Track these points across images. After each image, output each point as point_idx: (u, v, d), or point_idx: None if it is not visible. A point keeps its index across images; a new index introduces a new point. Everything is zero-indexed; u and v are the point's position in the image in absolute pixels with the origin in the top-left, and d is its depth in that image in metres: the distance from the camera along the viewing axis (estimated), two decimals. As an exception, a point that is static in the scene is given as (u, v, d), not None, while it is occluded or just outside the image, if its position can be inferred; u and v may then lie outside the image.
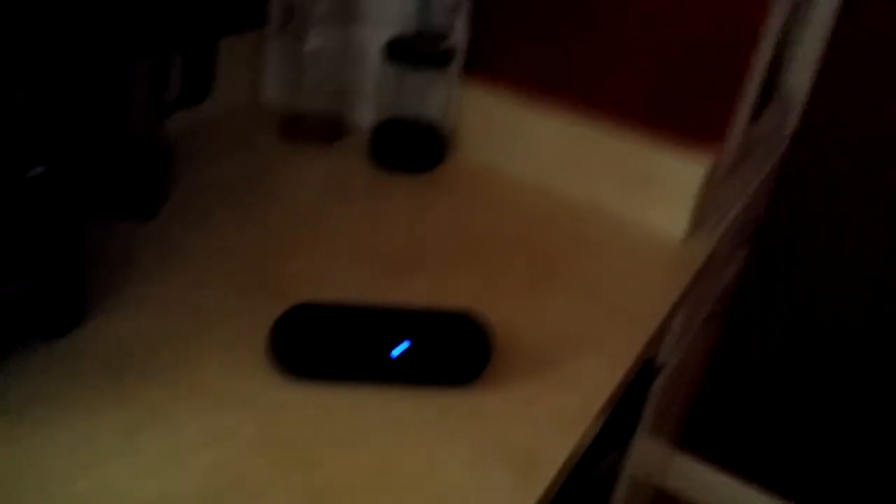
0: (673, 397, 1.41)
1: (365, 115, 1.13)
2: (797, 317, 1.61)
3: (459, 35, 1.04)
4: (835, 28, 1.40)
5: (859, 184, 1.47)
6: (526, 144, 1.07)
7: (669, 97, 1.00)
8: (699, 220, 1.05)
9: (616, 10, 0.99)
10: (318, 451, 0.64)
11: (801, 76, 1.44)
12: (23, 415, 0.63)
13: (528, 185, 1.08)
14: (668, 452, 1.75)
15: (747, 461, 1.78)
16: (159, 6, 0.80)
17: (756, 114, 1.21)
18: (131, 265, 0.81)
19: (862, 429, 1.63)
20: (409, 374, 0.71)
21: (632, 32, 0.99)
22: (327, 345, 0.69)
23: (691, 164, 0.98)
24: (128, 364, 0.69)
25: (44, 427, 0.62)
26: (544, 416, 0.72)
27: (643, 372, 0.96)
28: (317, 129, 1.09)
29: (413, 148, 1.07)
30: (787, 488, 1.75)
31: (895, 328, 1.53)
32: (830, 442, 1.67)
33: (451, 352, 0.71)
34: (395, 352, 0.69)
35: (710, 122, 0.99)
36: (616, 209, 1.05)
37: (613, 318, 0.86)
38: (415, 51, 1.02)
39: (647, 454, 1.36)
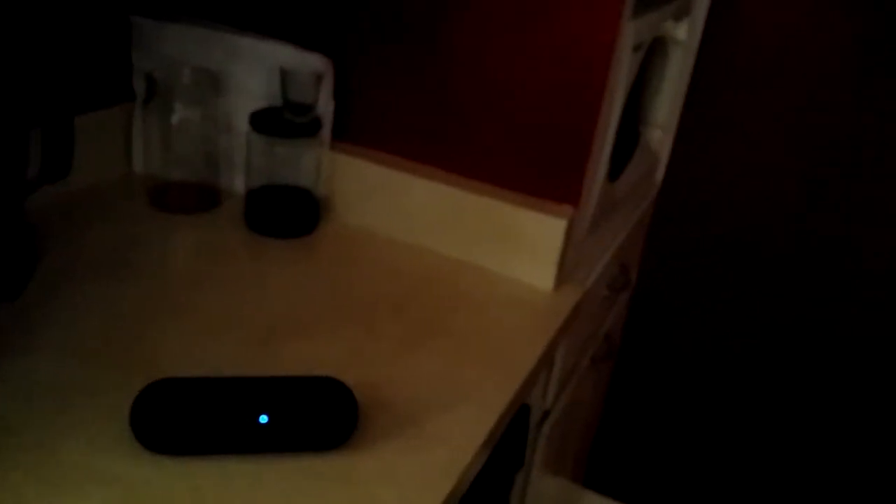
0: (567, 438, 1.45)
1: (237, 183, 1.15)
2: (682, 351, 1.69)
3: (324, 105, 1.08)
4: (691, 80, 1.50)
5: (729, 223, 1.56)
6: (399, 206, 1.11)
7: (525, 162, 1.06)
8: (567, 271, 1.10)
9: (472, 83, 1.04)
10: (183, 526, 0.64)
11: (662, 130, 1.53)
12: None
13: (402, 246, 1.11)
14: (574, 491, 1.79)
15: (652, 495, 1.83)
16: (14, 86, 0.80)
17: (618, 170, 1.28)
18: (-9, 348, 0.79)
19: (754, 451, 1.70)
20: (276, 443, 0.71)
21: (487, 105, 1.05)
22: (189, 419, 0.69)
23: (552, 222, 1.04)
24: (-16, 451, 0.68)
25: None
26: (413, 474, 0.73)
27: (520, 416, 0.99)
28: (189, 197, 1.10)
29: (288, 213, 1.09)
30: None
31: (776, 355, 1.61)
32: (726, 472, 1.74)
33: (316, 417, 0.72)
34: (259, 420, 0.69)
35: (564, 183, 1.05)
36: (487, 265, 1.09)
37: (483, 371, 0.89)
38: (282, 121, 1.04)
39: (548, 492, 1.39)
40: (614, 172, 1.25)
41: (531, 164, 1.05)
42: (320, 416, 0.72)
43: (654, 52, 1.39)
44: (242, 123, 1.12)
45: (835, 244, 1.49)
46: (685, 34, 1.43)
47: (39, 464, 0.67)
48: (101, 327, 0.85)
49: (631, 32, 1.02)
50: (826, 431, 1.62)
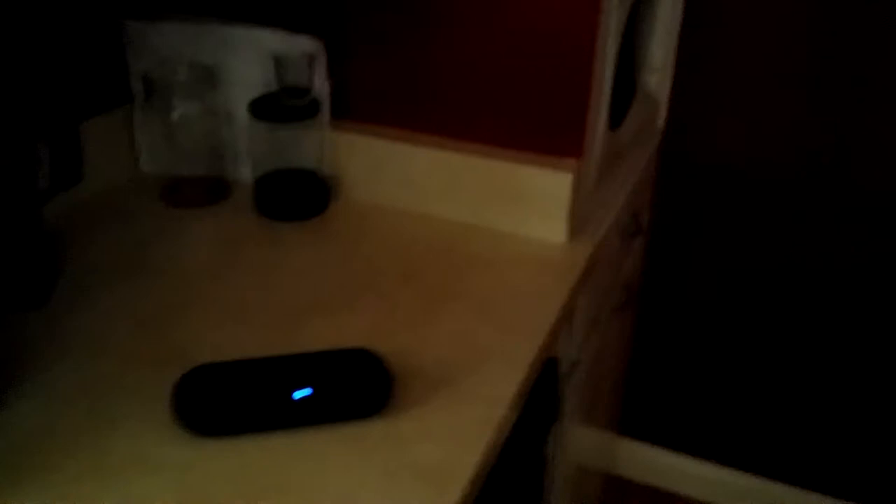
0: (598, 388, 1.47)
1: (244, 172, 1.16)
2: (702, 291, 1.70)
3: (320, 86, 1.08)
4: (683, 21, 1.50)
5: (734, 158, 1.57)
6: (404, 178, 1.12)
7: (525, 120, 1.06)
8: (579, 224, 1.11)
9: (463, 46, 1.05)
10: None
11: (660, 73, 1.53)
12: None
13: (411, 216, 1.12)
14: (610, 440, 1.81)
15: (687, 437, 1.85)
16: (17, 100, 0.81)
17: (619, 118, 1.29)
18: (28, 354, 0.81)
19: (785, 387, 1.72)
20: (315, 416, 0.73)
21: (479, 66, 1.05)
22: (230, 400, 0.71)
23: (558, 176, 1.05)
24: (38, 450, 0.70)
25: (-44, 529, 0.63)
26: (451, 431, 0.75)
27: (549, 369, 1.00)
28: (199, 191, 1.11)
29: (297, 196, 1.10)
30: (728, 457, 1.83)
31: (793, 290, 1.63)
32: (759, 404, 1.76)
33: (352, 387, 0.74)
34: (297, 395, 0.71)
35: (566, 136, 1.06)
36: (498, 226, 1.10)
37: (506, 329, 0.90)
38: (280, 106, 1.05)
39: (584, 443, 1.41)
40: (615, 121, 1.26)
41: (531, 121, 1.06)
42: (356, 386, 0.74)
43: (642, -3, 1.39)
44: (242, 113, 1.13)
45: (841, 167, 1.49)
46: (671, -25, 1.43)
47: (87, 460, 0.69)
48: (131, 324, 0.87)
49: (616, -22, 1.02)
50: (859, 363, 1.63)
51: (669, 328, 1.76)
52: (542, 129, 1.06)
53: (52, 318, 0.87)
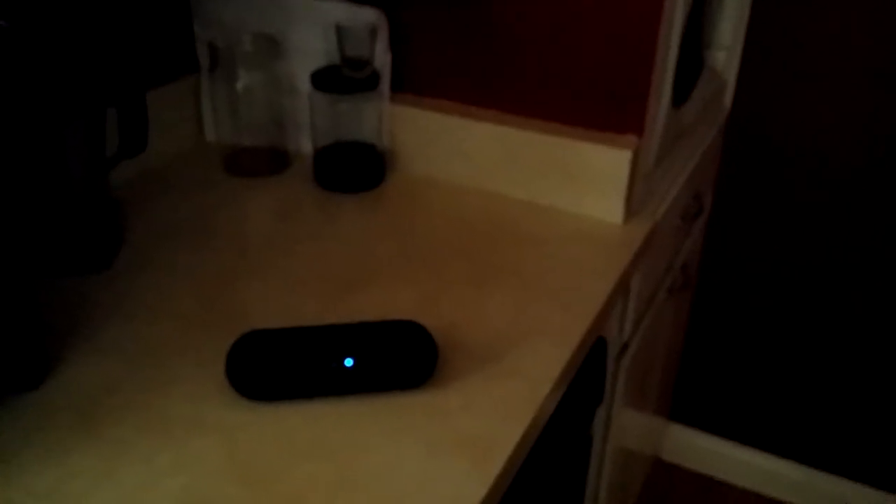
0: (649, 371, 1.46)
1: (305, 144, 1.18)
2: (763, 276, 1.67)
3: (381, 59, 1.09)
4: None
5: (804, 142, 1.53)
6: (461, 152, 1.12)
7: (585, 94, 1.05)
8: (637, 203, 1.10)
9: (525, 19, 1.04)
10: (282, 466, 0.68)
11: (728, 51, 1.50)
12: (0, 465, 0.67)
13: (466, 191, 1.13)
14: (659, 424, 1.80)
15: (739, 425, 1.83)
16: (87, 68, 0.84)
17: (683, 95, 1.27)
18: (90, 312, 0.85)
19: (843, 379, 1.68)
20: (362, 384, 0.75)
21: (540, 40, 1.04)
22: (280, 366, 0.73)
23: (616, 154, 1.03)
24: (95, 406, 0.73)
25: (22, 477, 0.66)
26: (495, 405, 0.76)
27: (597, 349, 1.00)
28: (260, 161, 1.13)
29: (354, 169, 1.11)
30: (780, 446, 1.80)
31: (856, 276, 1.58)
32: (815, 394, 1.72)
33: (398, 358, 0.75)
34: (345, 364, 0.73)
35: (626, 113, 1.04)
36: (553, 203, 1.10)
37: (556, 306, 0.90)
38: (341, 78, 1.06)
39: (631, 426, 1.41)
40: (679, 98, 1.23)
41: (591, 97, 1.05)
42: (402, 357, 0.75)
43: (712, -29, 1.35)
44: (304, 84, 1.14)
45: (916, 153, 1.44)
46: (743, -50, 1.39)
47: (144, 418, 0.73)
48: (190, 289, 0.90)
49: (683, -47, 1.00)
50: (918, 346, 1.58)
51: (727, 313, 1.73)
52: (602, 105, 1.05)
53: (115, 281, 0.91)
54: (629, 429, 1.40)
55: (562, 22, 1.02)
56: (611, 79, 1.03)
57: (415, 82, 1.14)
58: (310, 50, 1.12)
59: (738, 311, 1.72)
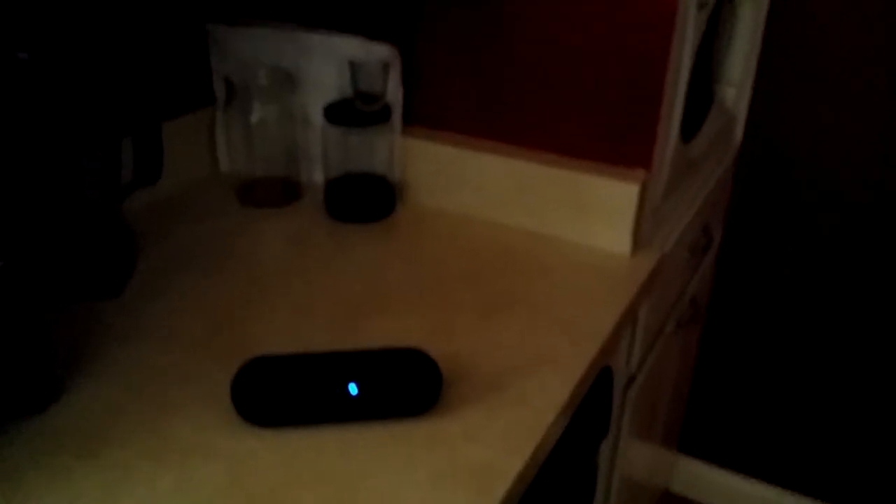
0: (656, 403, 1.45)
1: (317, 175, 1.20)
2: (773, 311, 1.66)
3: (393, 93, 1.11)
4: (764, 35, 1.47)
5: (815, 181, 1.53)
6: (471, 184, 1.13)
7: (594, 129, 1.07)
8: (645, 236, 1.10)
9: (535, 54, 1.06)
10: (284, 493, 0.69)
11: (738, 87, 1.51)
12: (6, 488, 0.68)
13: (476, 222, 1.14)
14: (668, 456, 1.79)
15: (748, 458, 1.81)
16: (104, 99, 0.86)
17: (693, 130, 1.28)
18: (100, 338, 0.86)
19: (853, 413, 1.67)
20: (366, 411, 0.75)
21: (550, 75, 1.06)
22: (285, 393, 0.74)
23: (624, 187, 1.04)
24: (102, 430, 0.74)
25: (27, 499, 0.67)
26: (498, 435, 0.76)
27: (603, 380, 1.00)
28: (273, 192, 1.15)
29: (366, 199, 1.13)
30: (790, 480, 1.78)
31: (867, 313, 1.57)
32: (824, 428, 1.71)
33: (403, 385, 0.76)
34: (350, 391, 0.74)
35: (635, 147, 1.05)
36: (562, 235, 1.11)
37: (562, 336, 0.91)
38: (354, 112, 1.08)
39: (638, 457, 1.40)
40: (689, 133, 1.24)
41: (599, 131, 1.06)
42: (406, 384, 0.76)
43: (723, 8, 1.37)
44: (317, 117, 1.16)
45: (928, 189, 1.44)
46: (753, -12, 1.41)
47: (148, 442, 0.73)
48: (199, 316, 0.91)
49: (692, -9, 1.01)
50: (933, 384, 1.57)
51: (736, 346, 1.72)
52: (610, 139, 1.06)
53: (126, 308, 0.92)
54: (637, 460, 1.40)
55: (572, 58, 1.04)
56: (620, 114, 1.04)
57: (426, 116, 1.16)
58: (323, 84, 1.14)
59: (747, 345, 1.71)
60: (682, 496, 1.90)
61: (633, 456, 1.35)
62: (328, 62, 1.14)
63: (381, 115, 1.09)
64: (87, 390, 0.79)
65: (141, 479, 0.69)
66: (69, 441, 0.73)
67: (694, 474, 1.87)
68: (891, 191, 1.47)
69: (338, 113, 1.09)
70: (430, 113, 1.15)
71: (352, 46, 1.12)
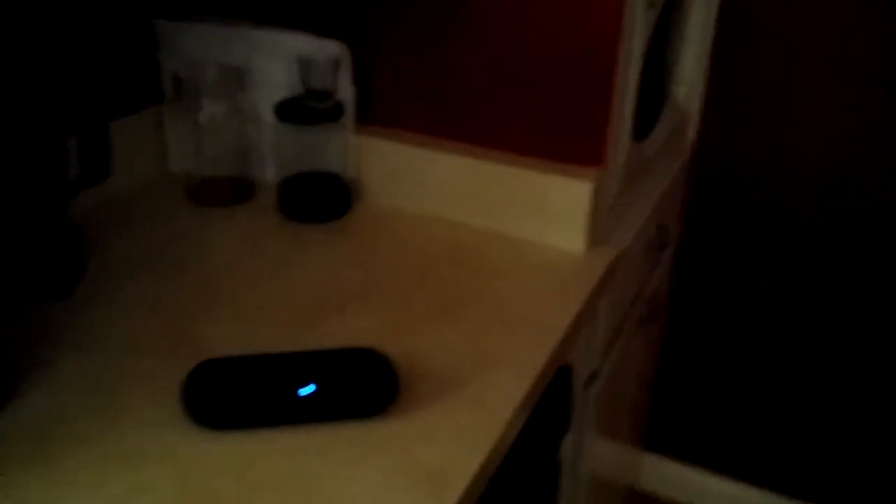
0: (620, 400, 1.46)
1: (269, 174, 1.18)
2: (733, 306, 1.68)
3: (345, 90, 1.10)
4: (716, 35, 1.48)
5: (769, 177, 1.55)
6: (425, 183, 1.13)
7: (546, 127, 1.07)
8: (599, 233, 1.11)
9: (487, 53, 1.05)
10: (236, 496, 0.67)
11: (690, 86, 1.52)
12: (-56, 501, 0.65)
13: (432, 221, 1.13)
14: (634, 453, 1.80)
15: (715, 455, 1.83)
16: (49, 96, 0.84)
17: (647, 129, 1.28)
18: (49, 342, 0.84)
19: (815, 405, 1.69)
20: (319, 413, 0.74)
21: (501, 74, 1.06)
22: (236, 395, 0.72)
23: (577, 185, 1.05)
24: (52, 435, 0.72)
25: (-35, 510, 0.65)
26: (453, 434, 0.75)
27: (562, 378, 1.00)
28: (224, 191, 1.13)
29: (319, 199, 1.11)
30: (756, 475, 1.80)
31: (826, 304, 1.60)
32: (788, 421, 1.73)
33: (357, 387, 0.75)
34: (302, 392, 0.72)
35: (587, 146, 1.05)
36: (516, 233, 1.10)
37: (517, 335, 0.90)
38: (305, 109, 1.07)
39: (603, 455, 1.41)
40: (643, 131, 1.25)
41: (553, 129, 1.06)
42: (361, 386, 0.75)
43: (674, 7, 1.38)
44: (268, 114, 1.15)
45: (876, 187, 1.47)
46: (703, -13, 1.42)
47: (98, 448, 0.71)
48: (150, 319, 0.89)
49: (641, -11, 1.02)
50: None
51: (698, 342, 1.74)
52: (562, 137, 1.06)
53: (74, 310, 0.90)
54: (602, 457, 1.40)
55: (520, 55, 1.04)
56: (571, 112, 1.04)
57: (381, 114, 1.15)
58: (274, 81, 1.13)
59: (709, 341, 1.73)
60: (650, 493, 1.91)
61: (599, 453, 1.35)
62: (278, 59, 1.12)
63: (332, 113, 1.08)
64: (35, 396, 0.77)
65: (90, 485, 0.67)
66: (17, 447, 0.71)
67: (660, 471, 1.88)
68: (843, 183, 1.49)
69: (288, 110, 1.07)
70: (386, 112, 1.14)
71: (301, 43, 1.10)
